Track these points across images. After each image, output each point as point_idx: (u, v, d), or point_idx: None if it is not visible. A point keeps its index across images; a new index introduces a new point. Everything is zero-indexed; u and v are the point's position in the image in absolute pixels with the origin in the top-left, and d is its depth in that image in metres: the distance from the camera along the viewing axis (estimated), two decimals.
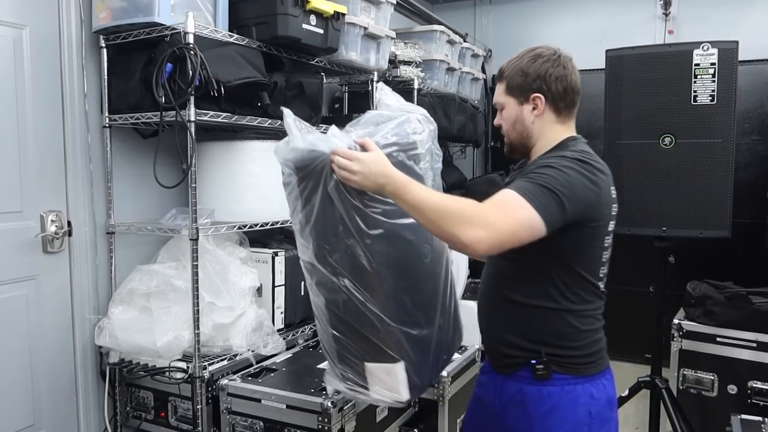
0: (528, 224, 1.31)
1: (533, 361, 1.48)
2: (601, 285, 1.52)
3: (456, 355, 2.49)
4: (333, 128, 1.52)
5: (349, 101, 3.48)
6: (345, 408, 1.94)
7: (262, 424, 2.04)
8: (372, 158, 1.37)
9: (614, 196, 1.50)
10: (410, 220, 1.42)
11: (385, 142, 1.48)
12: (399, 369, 1.53)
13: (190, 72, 1.99)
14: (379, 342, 1.51)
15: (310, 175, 1.47)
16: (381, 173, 1.35)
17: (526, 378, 1.50)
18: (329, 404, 1.89)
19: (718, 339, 2.66)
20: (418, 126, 1.61)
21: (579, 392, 1.47)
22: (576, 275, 1.46)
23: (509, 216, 1.30)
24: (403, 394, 1.55)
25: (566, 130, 1.55)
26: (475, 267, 3.43)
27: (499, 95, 1.58)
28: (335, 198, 1.44)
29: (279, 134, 2.78)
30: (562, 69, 1.51)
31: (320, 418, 1.90)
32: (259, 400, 2.03)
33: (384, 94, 1.68)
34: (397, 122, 1.56)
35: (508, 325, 1.53)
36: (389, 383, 1.55)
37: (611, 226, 1.49)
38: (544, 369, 1.47)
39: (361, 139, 1.43)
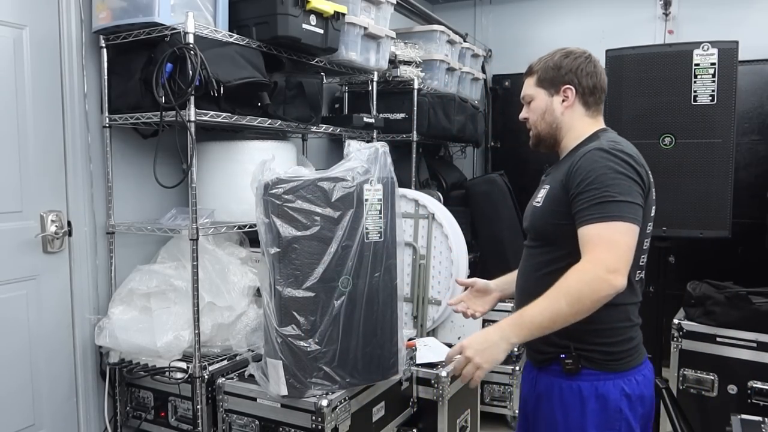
0: (632, 239, 1.37)
1: (562, 356, 1.49)
2: (638, 286, 1.51)
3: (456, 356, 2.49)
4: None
5: (349, 101, 3.48)
6: (339, 407, 1.95)
7: (257, 422, 2.04)
8: (471, 340, 1.39)
9: (654, 198, 1.51)
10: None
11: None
12: (279, 366, 1.88)
13: (190, 72, 1.99)
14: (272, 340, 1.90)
15: None
16: (491, 340, 1.37)
17: (556, 372, 1.51)
18: (323, 404, 1.89)
19: (718, 339, 2.66)
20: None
21: (609, 388, 1.46)
22: None
23: (617, 245, 1.34)
24: (282, 390, 1.90)
25: (595, 123, 1.58)
26: (474, 268, 3.44)
27: (529, 87, 1.61)
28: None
29: (279, 134, 2.79)
30: (593, 67, 1.57)
31: (314, 417, 1.91)
32: (254, 399, 2.04)
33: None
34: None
35: None
36: (274, 377, 1.92)
37: (650, 227, 1.51)
38: (572, 364, 1.47)
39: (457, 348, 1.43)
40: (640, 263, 1.50)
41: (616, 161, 1.40)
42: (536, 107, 1.59)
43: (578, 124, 1.56)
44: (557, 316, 1.34)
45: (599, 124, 1.59)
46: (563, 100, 1.56)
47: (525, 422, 1.66)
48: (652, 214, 1.51)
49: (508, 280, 1.81)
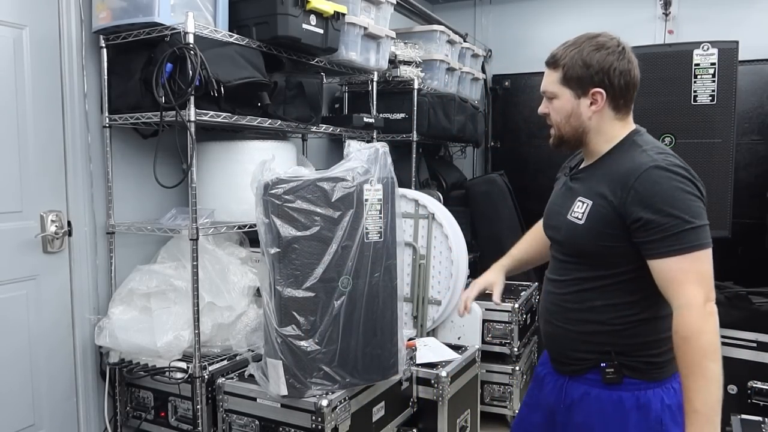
0: (710, 263, 1.33)
1: (603, 365, 1.43)
2: None
3: (456, 355, 2.50)
4: None
5: (349, 101, 3.48)
6: (339, 407, 1.95)
7: (257, 422, 2.04)
8: None
9: None
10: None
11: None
12: (279, 366, 1.88)
13: (190, 72, 1.99)
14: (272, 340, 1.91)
15: None
16: None
17: (593, 381, 1.45)
18: (323, 404, 1.89)
19: None
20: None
21: (650, 398, 1.41)
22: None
23: (703, 276, 1.31)
24: (281, 390, 1.90)
25: (626, 125, 1.46)
26: (474, 268, 3.44)
27: (552, 84, 1.45)
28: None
29: (279, 134, 2.79)
30: (627, 63, 1.41)
31: (314, 417, 1.91)
32: (254, 399, 2.04)
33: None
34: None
35: (583, 330, 1.46)
36: (274, 377, 1.92)
37: None
38: (614, 373, 1.41)
39: None
40: None
41: (681, 180, 1.32)
42: (561, 108, 1.45)
43: (607, 127, 1.44)
44: (718, 381, 1.27)
45: (630, 124, 1.47)
46: (591, 103, 1.41)
47: (548, 428, 1.58)
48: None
49: (513, 262, 1.80)
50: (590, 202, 1.40)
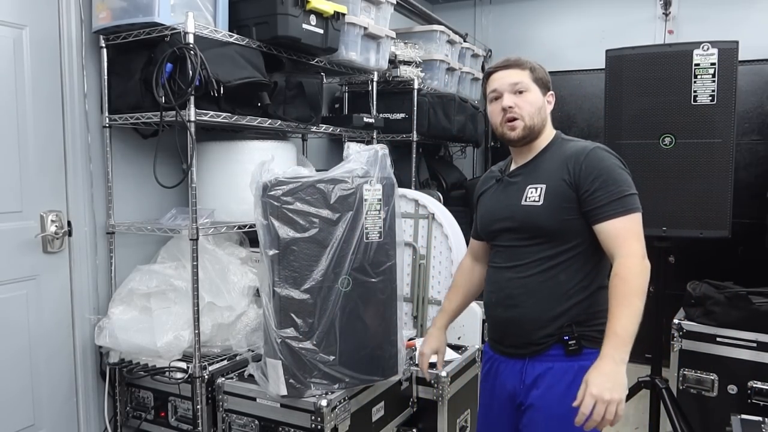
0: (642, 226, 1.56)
1: (566, 338, 1.57)
2: None
3: (456, 355, 2.50)
4: None
5: (349, 101, 3.48)
6: (338, 407, 1.95)
7: (257, 422, 2.04)
8: (597, 387, 1.38)
9: None
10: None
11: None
12: (278, 366, 1.89)
13: (190, 72, 1.99)
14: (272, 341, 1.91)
15: None
16: (610, 372, 1.39)
17: (556, 356, 1.58)
18: (322, 404, 1.89)
19: (718, 339, 2.66)
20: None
21: None
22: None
23: (640, 234, 1.53)
24: (281, 390, 1.91)
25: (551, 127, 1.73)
26: None
27: (524, 78, 1.64)
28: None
29: (279, 134, 2.79)
30: None
31: (313, 417, 1.91)
32: (254, 399, 2.04)
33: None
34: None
35: (552, 307, 1.59)
36: (274, 377, 1.93)
37: None
38: (576, 344, 1.56)
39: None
40: None
41: (616, 159, 1.59)
42: (534, 100, 1.64)
43: (547, 126, 1.69)
44: (640, 317, 1.44)
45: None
46: (548, 103, 1.69)
47: (512, 417, 1.66)
48: None
49: (449, 317, 1.93)
50: (544, 185, 1.60)
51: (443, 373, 2.32)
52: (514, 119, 1.62)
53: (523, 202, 1.62)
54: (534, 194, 1.60)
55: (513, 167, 1.72)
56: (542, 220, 1.58)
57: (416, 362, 2.40)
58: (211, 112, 2.14)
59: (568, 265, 1.58)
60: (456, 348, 2.60)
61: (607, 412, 1.37)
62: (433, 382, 2.34)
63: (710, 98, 2.44)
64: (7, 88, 2.05)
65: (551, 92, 1.70)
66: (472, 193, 3.80)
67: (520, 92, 1.63)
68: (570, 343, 1.56)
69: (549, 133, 1.69)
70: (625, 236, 1.51)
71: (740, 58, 2.44)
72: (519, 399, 1.64)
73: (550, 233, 1.59)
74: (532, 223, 1.60)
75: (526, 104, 1.63)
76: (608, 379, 1.38)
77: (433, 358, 1.90)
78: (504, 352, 1.69)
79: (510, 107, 1.62)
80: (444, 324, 1.92)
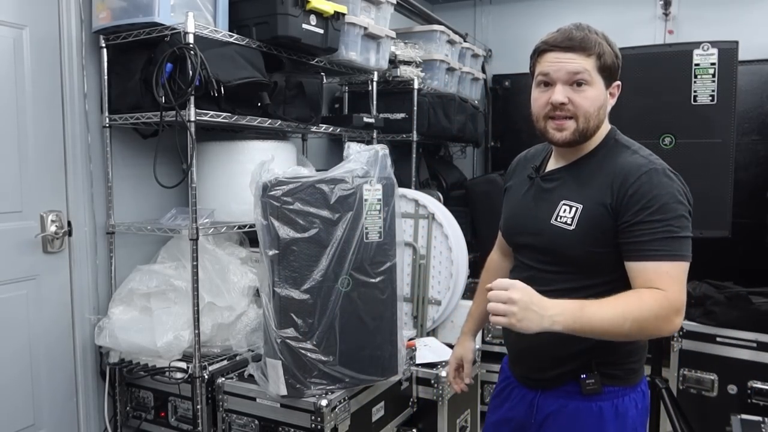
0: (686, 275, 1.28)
1: (583, 376, 1.36)
2: None
3: None
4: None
5: (349, 101, 3.48)
6: (338, 407, 1.95)
7: (257, 422, 2.04)
8: (526, 292, 1.19)
9: None
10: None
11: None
12: (278, 366, 1.88)
13: (190, 72, 1.99)
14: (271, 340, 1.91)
15: None
16: (542, 308, 1.18)
17: (571, 393, 1.38)
18: (322, 403, 1.89)
19: (718, 339, 2.66)
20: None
21: (627, 405, 1.38)
22: None
23: (683, 286, 1.26)
24: (281, 390, 1.90)
25: (606, 122, 1.41)
26: (474, 268, 3.43)
27: (588, 67, 1.30)
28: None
29: (279, 134, 2.79)
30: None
31: (313, 417, 1.91)
32: (254, 399, 2.04)
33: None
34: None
35: (569, 344, 1.32)
36: (273, 377, 1.93)
37: None
38: (594, 384, 1.35)
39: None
40: None
41: (678, 188, 1.28)
42: (596, 98, 1.32)
43: (603, 123, 1.39)
44: (614, 333, 1.21)
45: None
46: (611, 96, 1.36)
47: None
48: None
49: (477, 323, 1.74)
50: (580, 206, 1.33)
51: (443, 373, 2.32)
52: (565, 118, 1.32)
53: (552, 221, 1.35)
54: (567, 214, 1.34)
55: (551, 166, 1.44)
56: (571, 249, 1.33)
57: (417, 362, 2.41)
58: (211, 112, 2.14)
59: (585, 293, 1.29)
60: None
61: (497, 305, 1.18)
62: (432, 382, 2.34)
63: (710, 98, 2.44)
64: (7, 88, 2.05)
65: (617, 82, 1.35)
66: (473, 193, 3.83)
67: (579, 84, 1.30)
68: (588, 382, 1.34)
69: (602, 131, 1.37)
70: (668, 283, 1.23)
71: (740, 58, 2.44)
72: None
73: (578, 264, 1.34)
74: (559, 250, 1.36)
75: (585, 102, 1.31)
76: (533, 302, 1.17)
77: (466, 368, 1.71)
78: (518, 377, 1.52)
79: (562, 104, 1.31)
80: (471, 329, 1.74)
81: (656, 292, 1.22)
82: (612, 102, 1.37)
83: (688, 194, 1.31)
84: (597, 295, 1.26)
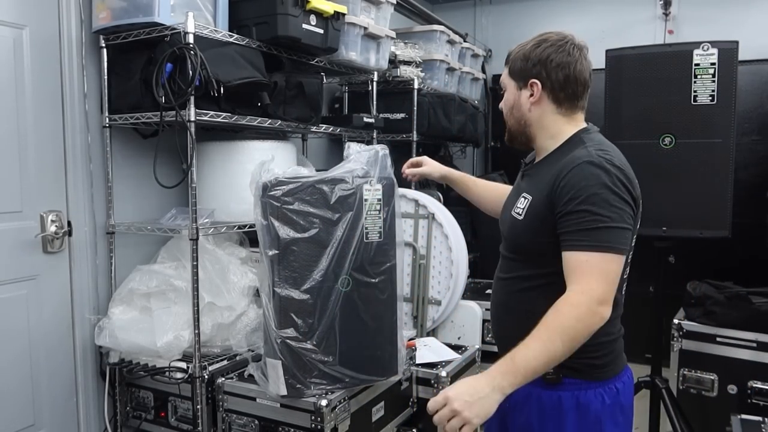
0: (619, 268, 1.31)
1: None
2: (621, 300, 1.46)
3: (456, 355, 2.50)
4: None
5: (349, 101, 3.48)
6: (338, 407, 1.95)
7: (257, 422, 2.04)
8: (458, 391, 1.22)
9: (641, 210, 1.43)
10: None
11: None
12: (278, 366, 1.88)
13: (190, 72, 1.99)
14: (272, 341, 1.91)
15: None
16: (481, 391, 1.21)
17: (536, 381, 1.37)
18: (322, 403, 1.89)
19: (718, 339, 2.66)
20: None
21: (590, 398, 1.41)
22: None
23: (608, 276, 1.28)
24: (281, 390, 1.90)
25: (573, 123, 1.46)
26: (474, 268, 3.44)
27: (504, 77, 1.53)
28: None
29: (279, 134, 2.79)
30: (566, 56, 1.41)
31: (313, 417, 1.91)
32: (254, 399, 2.04)
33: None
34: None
35: (524, 331, 1.33)
36: (273, 377, 1.92)
37: (634, 239, 1.41)
38: (554, 374, 1.39)
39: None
40: (624, 277, 1.42)
41: (610, 179, 1.30)
42: (506, 100, 1.52)
43: (550, 122, 1.45)
44: (553, 359, 1.24)
45: (578, 122, 1.47)
46: (530, 95, 1.44)
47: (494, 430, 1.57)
48: (638, 226, 1.41)
49: (461, 179, 1.98)
50: (530, 198, 1.41)
51: (443, 373, 2.32)
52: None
53: (512, 212, 1.47)
54: (521, 206, 1.44)
55: (534, 161, 1.55)
56: (519, 238, 1.45)
57: (417, 362, 2.41)
58: (211, 112, 2.14)
59: (548, 290, 1.34)
60: (456, 348, 2.60)
61: (450, 423, 1.20)
62: (433, 382, 2.34)
63: (710, 98, 2.44)
64: (7, 88, 2.05)
65: (533, 80, 1.43)
66: None
67: (502, 94, 1.53)
68: (548, 371, 1.35)
69: (556, 131, 1.45)
70: (584, 272, 1.26)
71: (740, 58, 2.44)
72: (507, 417, 1.53)
73: (527, 252, 1.44)
74: (512, 238, 1.48)
75: (503, 105, 1.54)
76: (472, 393, 1.20)
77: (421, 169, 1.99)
78: None
79: (501, 109, 1.55)
80: (455, 173, 2.02)
81: (569, 295, 1.26)
82: (533, 99, 1.44)
83: (630, 186, 1.33)
84: (548, 284, 1.35)
